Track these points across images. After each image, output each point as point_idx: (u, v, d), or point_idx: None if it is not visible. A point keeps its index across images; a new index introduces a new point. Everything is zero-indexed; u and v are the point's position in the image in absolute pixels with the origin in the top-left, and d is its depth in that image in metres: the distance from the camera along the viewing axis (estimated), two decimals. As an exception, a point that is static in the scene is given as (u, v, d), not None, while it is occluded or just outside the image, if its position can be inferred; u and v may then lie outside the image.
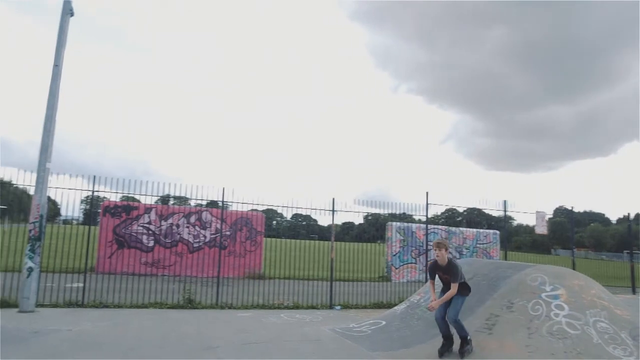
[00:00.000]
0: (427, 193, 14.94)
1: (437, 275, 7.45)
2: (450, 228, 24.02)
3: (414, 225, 23.06)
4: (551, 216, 17.89)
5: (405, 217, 24.46)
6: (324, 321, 10.71)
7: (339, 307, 12.79)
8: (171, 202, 20.13)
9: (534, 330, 7.38)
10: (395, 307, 10.42)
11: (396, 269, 21.96)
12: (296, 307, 12.42)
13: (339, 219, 13.16)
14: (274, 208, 14.90)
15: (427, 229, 15.76)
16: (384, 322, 9.45)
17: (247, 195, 13.55)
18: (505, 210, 16.46)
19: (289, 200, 13.97)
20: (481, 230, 24.83)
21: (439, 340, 7.45)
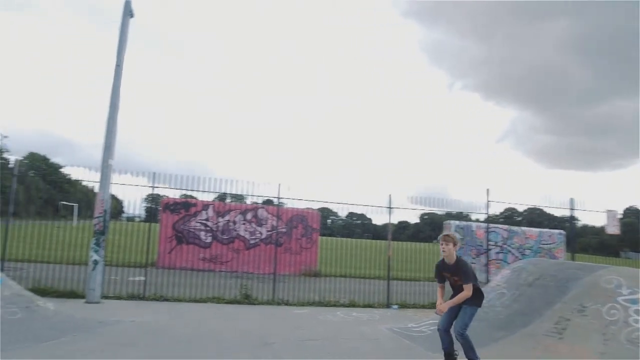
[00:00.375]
0: (487, 190, 14.39)
1: (445, 279, 6.27)
2: (512, 227, 23.03)
3: (473, 224, 22.30)
4: (621, 216, 16.79)
5: (461, 217, 23.73)
6: (381, 320, 10.49)
7: (396, 307, 12.50)
8: (227, 200, 20.47)
9: (610, 337, 6.87)
10: (456, 308, 10.04)
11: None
12: (352, 305, 12.24)
13: (394, 218, 12.85)
14: (330, 205, 14.75)
15: (487, 227, 15.17)
16: (443, 323, 9.10)
17: (302, 192, 13.54)
18: (572, 209, 15.57)
19: (344, 198, 13.82)
20: (544, 230, 23.64)
21: (503, 344, 7.07)
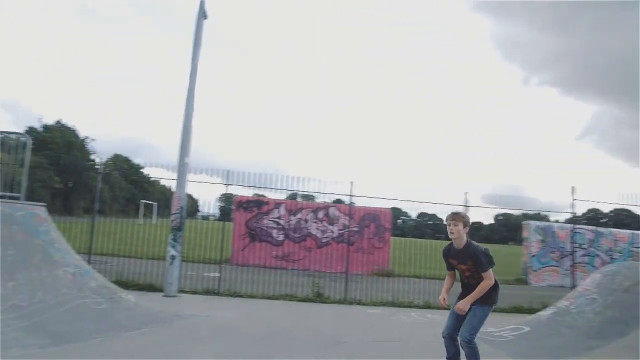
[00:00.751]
0: (572, 188, 13.44)
1: (453, 267, 5.24)
2: (598, 229, 21.54)
3: (554, 225, 21.09)
4: None
5: (539, 217, 22.57)
6: (458, 323, 10.03)
7: (473, 309, 11.94)
8: (299, 199, 20.63)
9: None
10: (540, 313, 9.41)
11: (534, 271, 20.21)
12: (427, 306, 11.83)
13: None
14: (403, 204, 14.36)
15: (573, 228, 14.16)
16: (527, 329, 8.55)
17: (374, 191, 13.35)
18: (670, 209, 14.24)
19: (417, 197, 13.48)
20: (638, 232, 21.91)
21: (597, 355, 6.47)
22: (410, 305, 11.84)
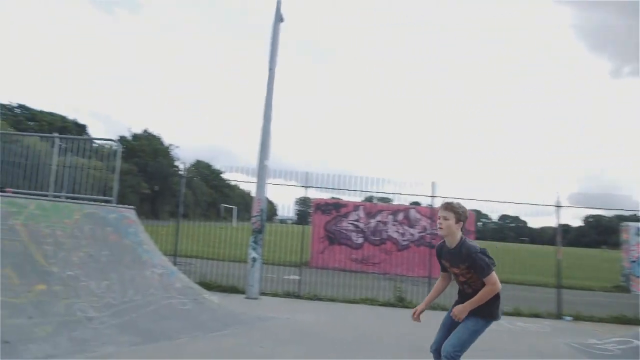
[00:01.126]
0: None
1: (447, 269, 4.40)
2: None
3: (659, 226, 19.22)
4: None
5: (636, 219, 20.74)
6: (553, 333, 9.31)
7: (569, 318, 11.06)
8: (375, 200, 20.33)
9: None
10: (650, 324, 8.51)
11: (637, 277, 18.52)
12: (517, 313, 11.07)
13: (552, 221, 11.30)
14: (487, 203, 13.53)
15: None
16: (636, 342, 7.73)
17: (455, 192, 12.88)
18: None
19: (499, 197, 12.79)
20: None
21: None
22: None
